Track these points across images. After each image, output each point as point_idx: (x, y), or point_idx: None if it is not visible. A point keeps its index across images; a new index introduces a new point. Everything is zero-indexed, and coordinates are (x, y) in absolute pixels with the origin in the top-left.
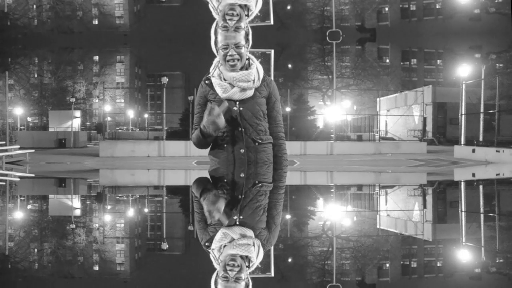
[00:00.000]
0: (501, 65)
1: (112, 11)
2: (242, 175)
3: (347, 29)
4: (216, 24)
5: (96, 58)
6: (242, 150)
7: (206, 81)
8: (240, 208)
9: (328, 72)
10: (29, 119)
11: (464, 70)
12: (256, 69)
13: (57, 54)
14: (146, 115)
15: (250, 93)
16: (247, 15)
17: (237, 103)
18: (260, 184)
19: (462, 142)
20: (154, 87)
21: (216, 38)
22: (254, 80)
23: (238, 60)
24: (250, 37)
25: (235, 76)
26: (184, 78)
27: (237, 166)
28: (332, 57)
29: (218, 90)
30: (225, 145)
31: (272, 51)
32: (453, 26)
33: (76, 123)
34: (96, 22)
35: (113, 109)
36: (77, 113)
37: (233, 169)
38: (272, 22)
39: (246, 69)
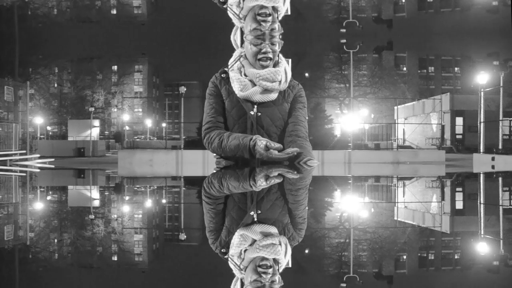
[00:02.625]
0: None
1: (130, 1)
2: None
3: (364, 20)
4: (240, 32)
5: (115, 67)
6: (254, 164)
7: (222, 75)
8: (256, 202)
9: (345, 80)
10: (48, 128)
11: (482, 77)
12: (285, 69)
13: (76, 63)
14: (163, 124)
15: (273, 96)
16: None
17: (256, 106)
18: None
19: (481, 150)
20: (172, 97)
21: (239, 29)
22: (280, 81)
23: (271, 59)
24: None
25: (260, 73)
26: (201, 88)
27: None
28: (349, 65)
29: (236, 86)
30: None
31: (290, 60)
32: (470, 19)
33: (94, 132)
34: (114, 11)
35: (131, 118)
36: (96, 122)
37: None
38: (289, 12)
39: (274, 66)
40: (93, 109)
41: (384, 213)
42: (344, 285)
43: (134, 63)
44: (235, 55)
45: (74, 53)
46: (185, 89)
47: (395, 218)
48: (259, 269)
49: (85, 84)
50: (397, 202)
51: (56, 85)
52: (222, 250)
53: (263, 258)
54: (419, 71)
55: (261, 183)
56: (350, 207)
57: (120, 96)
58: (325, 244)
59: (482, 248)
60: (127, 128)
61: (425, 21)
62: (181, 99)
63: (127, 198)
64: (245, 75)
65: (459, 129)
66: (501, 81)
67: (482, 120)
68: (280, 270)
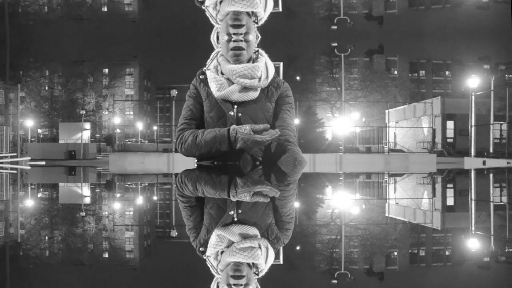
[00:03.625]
0: (510, 75)
1: None
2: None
3: (355, 17)
4: (217, 36)
5: (106, 70)
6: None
7: (200, 76)
8: (237, 200)
9: (337, 84)
10: (39, 131)
11: (473, 81)
12: (265, 64)
13: (68, 66)
14: (155, 127)
15: (253, 94)
16: (256, 22)
17: (235, 106)
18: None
19: (472, 154)
20: (163, 99)
21: (217, 32)
22: (260, 78)
23: (244, 49)
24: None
25: (235, 69)
26: None
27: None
28: (340, 69)
29: (213, 86)
30: (215, 162)
31: (281, 63)
32: (460, 16)
33: (85, 135)
34: (105, 9)
35: (123, 121)
36: (87, 125)
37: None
38: (280, 9)
39: (253, 62)
40: (84, 112)
41: (375, 210)
42: (335, 281)
43: (125, 66)
44: (212, 55)
45: (65, 52)
46: (176, 92)
47: (386, 215)
48: (231, 280)
49: (76, 87)
50: (388, 199)
51: (47, 88)
52: (200, 249)
53: (236, 267)
54: (410, 75)
55: (244, 198)
56: (341, 203)
57: (111, 99)
58: (315, 241)
59: (473, 244)
60: (118, 131)
61: (416, 18)
62: (172, 102)
63: (118, 195)
64: (221, 73)
65: (450, 132)
66: (492, 84)
67: (473, 124)
68: (259, 276)
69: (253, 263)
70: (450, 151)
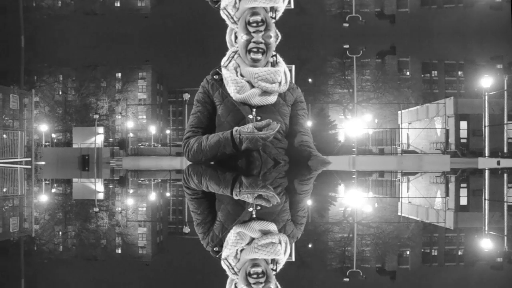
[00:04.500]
0: None
1: None
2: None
3: (367, 15)
4: (235, 36)
5: (119, 75)
6: (256, 172)
7: (214, 76)
8: (256, 197)
9: (349, 86)
10: (53, 135)
11: (486, 81)
12: (284, 70)
13: (81, 71)
14: (168, 131)
15: (273, 98)
16: (274, 18)
17: (254, 110)
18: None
19: (487, 154)
20: (176, 103)
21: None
22: (281, 83)
23: (263, 52)
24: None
25: (258, 73)
26: None
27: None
28: (352, 70)
29: (231, 88)
30: (239, 165)
31: (293, 66)
32: (473, 16)
33: (99, 139)
34: (118, 4)
35: (136, 126)
36: (100, 130)
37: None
38: (292, 6)
39: (273, 66)
40: (97, 116)
41: (387, 208)
42: (347, 279)
43: (138, 70)
44: (229, 53)
45: (77, 54)
46: (189, 95)
47: (399, 213)
48: (250, 279)
49: (90, 91)
50: (401, 197)
51: (60, 92)
52: (214, 249)
53: (255, 264)
54: (422, 76)
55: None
56: (354, 201)
57: (124, 103)
58: (328, 239)
59: (486, 244)
60: (131, 135)
61: (428, 17)
62: (185, 106)
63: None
64: (241, 75)
65: (463, 133)
66: (505, 84)
67: (486, 124)
68: (278, 271)
69: (271, 260)
70: (463, 151)
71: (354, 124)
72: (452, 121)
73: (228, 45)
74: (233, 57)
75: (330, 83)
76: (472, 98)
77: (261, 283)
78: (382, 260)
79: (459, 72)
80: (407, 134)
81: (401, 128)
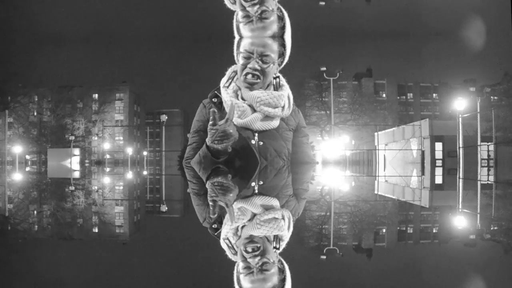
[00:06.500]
0: (495, 97)
1: None
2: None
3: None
4: (237, 17)
5: (96, 96)
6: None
7: (213, 99)
8: (258, 172)
9: (326, 107)
10: (27, 157)
11: (460, 103)
12: (288, 94)
13: (57, 92)
14: (145, 153)
15: (275, 123)
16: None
17: (256, 134)
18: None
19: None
20: (153, 125)
21: (240, 38)
22: (284, 107)
23: (258, 77)
24: (287, 49)
25: (260, 97)
26: (183, 116)
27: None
28: (329, 92)
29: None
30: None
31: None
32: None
33: (75, 160)
34: None
35: (112, 147)
36: (76, 151)
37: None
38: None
39: (275, 89)
40: (73, 137)
41: (364, 187)
42: (324, 257)
43: (115, 91)
44: (228, 73)
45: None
46: (166, 117)
47: (376, 192)
48: (245, 254)
49: (66, 112)
50: (378, 176)
51: (35, 113)
52: (213, 226)
53: (249, 240)
54: (398, 98)
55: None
56: (331, 180)
57: (101, 125)
58: (305, 217)
59: (460, 222)
60: (108, 156)
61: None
62: (162, 127)
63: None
64: (242, 98)
65: (439, 154)
66: (478, 106)
67: (461, 145)
68: (280, 248)
69: (274, 237)
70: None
71: (331, 146)
72: (427, 142)
73: (236, 59)
74: (233, 78)
75: (308, 105)
76: (446, 120)
77: (258, 257)
78: (359, 238)
79: (434, 94)
80: (384, 155)
81: (378, 149)
